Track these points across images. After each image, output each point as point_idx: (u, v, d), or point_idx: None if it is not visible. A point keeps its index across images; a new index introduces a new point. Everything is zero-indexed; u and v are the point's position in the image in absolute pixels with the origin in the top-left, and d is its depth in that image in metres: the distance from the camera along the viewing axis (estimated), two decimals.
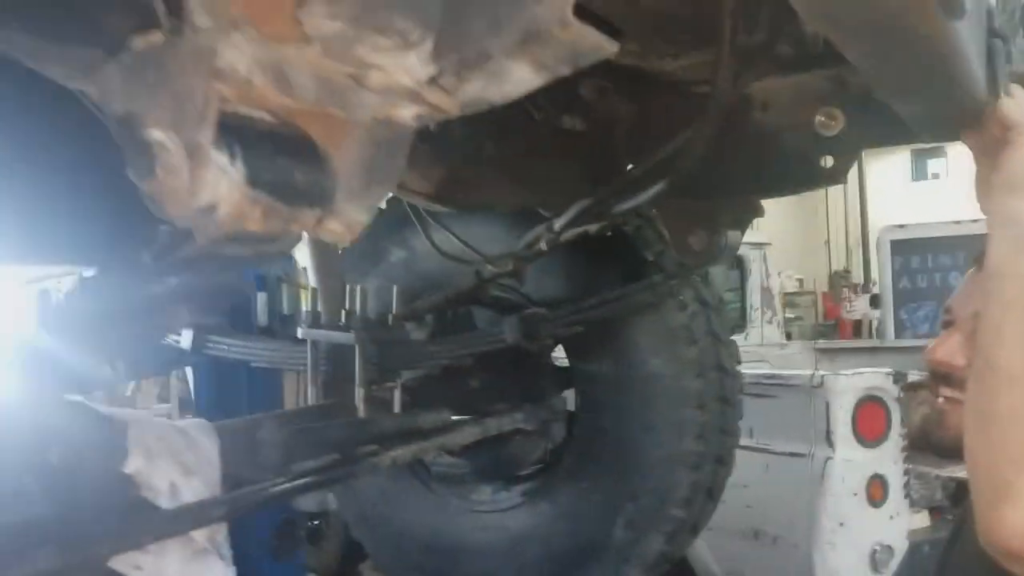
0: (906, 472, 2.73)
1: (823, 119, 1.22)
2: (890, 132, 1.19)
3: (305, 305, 2.01)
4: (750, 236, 6.25)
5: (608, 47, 0.60)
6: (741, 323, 5.31)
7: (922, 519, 2.87)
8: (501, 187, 1.34)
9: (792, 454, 2.79)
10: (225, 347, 1.88)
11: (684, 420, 1.83)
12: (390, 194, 1.40)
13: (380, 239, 2.16)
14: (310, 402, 1.80)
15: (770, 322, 5.33)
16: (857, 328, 15.32)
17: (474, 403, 1.97)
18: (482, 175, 1.28)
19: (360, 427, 1.57)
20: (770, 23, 1.16)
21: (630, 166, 1.32)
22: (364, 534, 2.27)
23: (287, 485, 1.22)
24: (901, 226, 7.40)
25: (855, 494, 2.65)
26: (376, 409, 1.73)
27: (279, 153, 0.55)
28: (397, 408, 1.74)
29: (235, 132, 0.53)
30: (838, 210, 20.54)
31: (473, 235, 1.79)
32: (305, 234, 1.88)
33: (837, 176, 1.22)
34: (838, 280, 18.00)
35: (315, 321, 1.76)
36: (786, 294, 16.18)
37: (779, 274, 15.45)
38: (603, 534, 1.90)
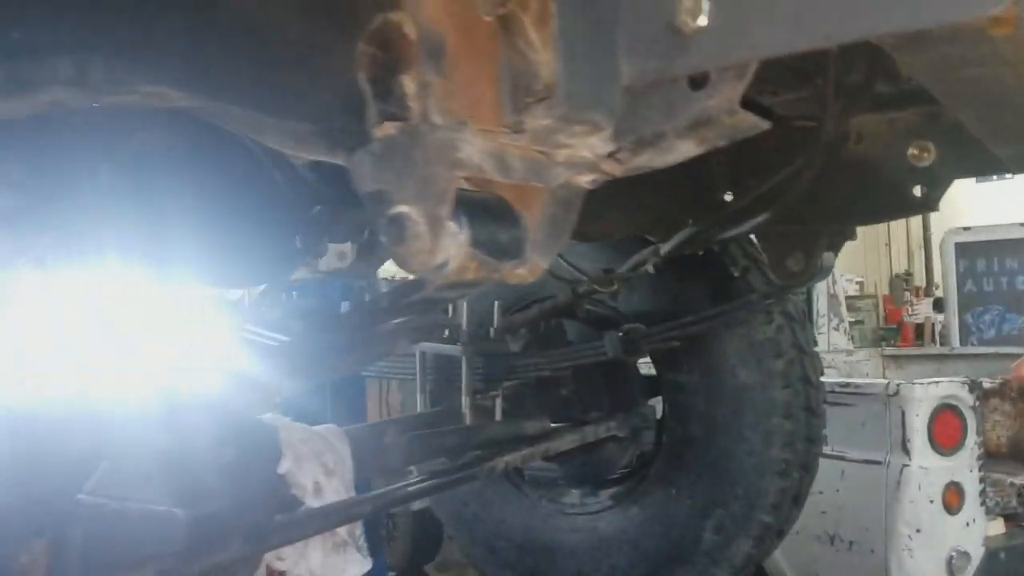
0: (982, 480, 2.76)
1: (916, 152, 1.30)
2: (981, 164, 1.27)
3: None
4: None
5: (762, 126, 0.71)
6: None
7: (997, 526, 2.89)
8: (615, 218, 1.46)
9: (868, 461, 2.84)
10: None
11: (772, 429, 1.92)
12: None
13: None
14: (418, 410, 1.94)
15: (837, 328, 5.32)
16: (919, 332, 14.98)
17: (565, 411, 2.09)
18: (598, 208, 1.39)
19: (471, 433, 1.70)
20: (868, 63, 1.25)
21: (728, 194, 1.42)
22: (459, 533, 2.41)
23: (421, 485, 1.35)
24: (966, 228, 7.27)
25: (931, 501, 2.69)
26: (480, 416, 1.87)
27: (491, 218, 0.68)
28: (499, 416, 1.87)
29: (461, 204, 0.66)
30: None
31: (570, 254, 1.90)
32: None
33: (929, 205, 1.30)
34: (899, 283, 17.62)
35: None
36: (847, 297, 15.95)
37: (840, 276, 15.25)
38: (692, 537, 2.00)
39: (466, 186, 0.68)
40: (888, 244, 20.62)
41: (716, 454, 1.97)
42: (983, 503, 2.81)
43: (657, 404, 2.17)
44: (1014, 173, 1.25)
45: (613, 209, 1.41)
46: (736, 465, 1.94)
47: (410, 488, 1.37)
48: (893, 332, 14.89)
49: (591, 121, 0.65)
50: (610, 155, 0.70)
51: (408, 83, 0.69)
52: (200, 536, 1.09)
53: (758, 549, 1.97)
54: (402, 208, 0.65)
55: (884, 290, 18.98)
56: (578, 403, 2.12)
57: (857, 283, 17.96)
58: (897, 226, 20.33)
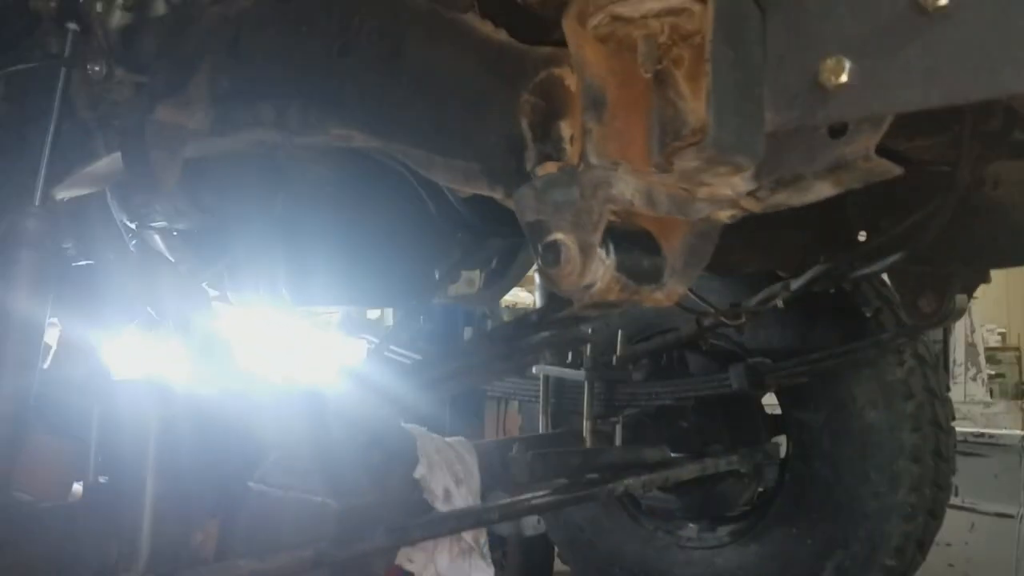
0: None
1: None
2: None
3: None
4: None
5: (896, 171, 0.76)
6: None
7: None
8: (748, 252, 1.50)
9: (1000, 515, 2.71)
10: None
11: (899, 472, 1.88)
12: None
13: None
14: (540, 431, 2.02)
15: (974, 379, 5.05)
16: None
17: (685, 443, 2.11)
18: (732, 241, 1.44)
19: (591, 456, 1.76)
20: (1005, 111, 1.25)
21: (862, 234, 1.44)
22: (573, 558, 2.46)
23: (545, 499, 1.43)
24: None
25: None
26: (600, 441, 1.92)
27: (635, 247, 0.76)
28: (619, 441, 1.92)
29: (609, 233, 0.74)
30: None
31: (698, 288, 1.94)
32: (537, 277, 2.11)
33: None
34: None
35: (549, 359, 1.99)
36: (987, 348, 14.92)
37: (980, 326, 14.32)
38: None
39: (614, 218, 0.76)
40: None
41: (840, 495, 1.95)
42: None
43: (782, 443, 2.16)
44: None
45: (747, 243, 1.45)
46: (860, 506, 1.91)
47: (535, 501, 1.44)
48: None
49: (735, 163, 0.72)
50: (750, 193, 0.77)
51: (565, 128, 0.78)
52: (349, 526, 1.20)
53: None
54: (558, 235, 0.74)
55: None
56: (698, 436, 2.14)
57: (999, 333, 16.80)
58: None
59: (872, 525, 1.91)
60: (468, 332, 3.53)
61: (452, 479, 1.54)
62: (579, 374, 1.90)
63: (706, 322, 1.94)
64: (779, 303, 1.54)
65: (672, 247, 0.80)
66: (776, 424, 2.15)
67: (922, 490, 1.90)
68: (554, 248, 0.72)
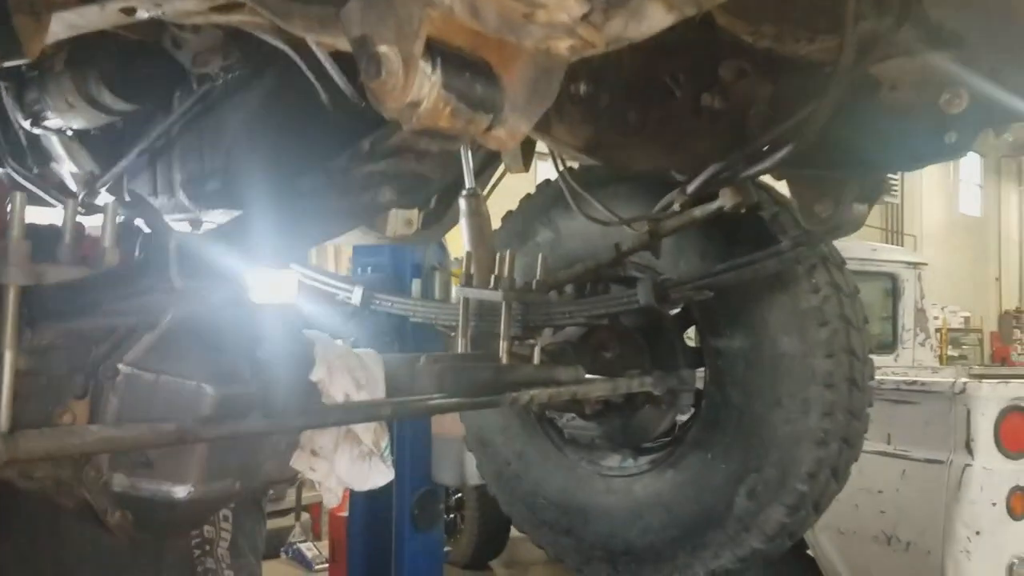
0: None
1: (949, 97, 1.29)
2: (1012, 109, 1.26)
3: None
4: (906, 255, 6.01)
5: None
6: (891, 344, 5.14)
7: None
8: (639, 150, 1.49)
9: (930, 461, 2.75)
10: (389, 303, 2.13)
11: (811, 398, 1.90)
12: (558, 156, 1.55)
13: (529, 221, 2.37)
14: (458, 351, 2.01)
15: (923, 344, 5.12)
16: None
17: (609, 373, 2.12)
18: (624, 137, 1.44)
19: (505, 370, 1.76)
20: (898, 7, 1.25)
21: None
22: (500, 491, 2.46)
23: (440, 401, 1.42)
24: None
25: (994, 504, 2.58)
26: (518, 361, 1.92)
27: (466, 69, 0.74)
28: (536, 362, 1.92)
29: (437, 51, 0.72)
30: (1012, 245, 19.07)
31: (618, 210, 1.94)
32: (463, 205, 2.10)
33: (958, 151, 1.29)
34: (1009, 320, 16.72)
35: (467, 282, 1.98)
36: (949, 330, 15.22)
37: (943, 309, 14.58)
38: (725, 503, 1.99)
39: (445, 37, 0.74)
40: (999, 279, 19.58)
41: (753, 421, 1.96)
42: None
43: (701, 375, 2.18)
44: None
45: (639, 139, 1.45)
46: (772, 432, 1.93)
47: (432, 402, 1.44)
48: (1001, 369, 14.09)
49: None
50: (584, 17, 0.75)
51: None
52: (225, 412, 1.18)
53: (792, 518, 1.94)
54: (380, 47, 0.72)
55: (992, 326, 18.03)
56: (620, 365, 2.15)
57: (963, 317, 17.14)
58: (1010, 260, 19.30)
59: (784, 450, 1.92)
60: (416, 285, 3.51)
61: (353, 385, 1.52)
62: (496, 295, 1.89)
63: (623, 248, 1.95)
64: (676, 207, 1.54)
65: (512, 79, 0.79)
66: (699, 356, 2.16)
67: (835, 416, 1.91)
68: (376, 59, 0.71)
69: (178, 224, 1.77)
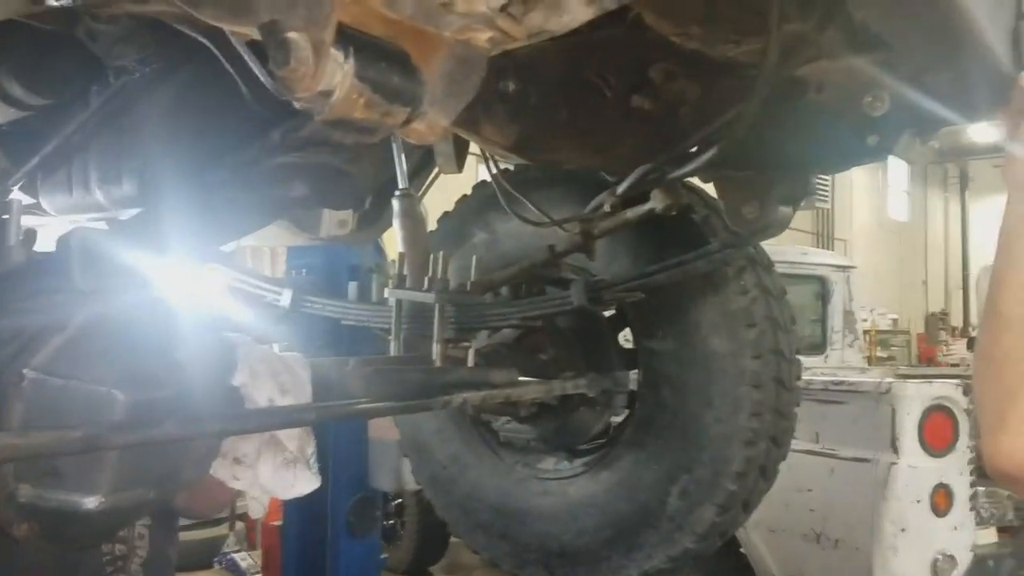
0: (973, 484, 2.71)
1: (871, 100, 1.32)
2: (932, 113, 1.29)
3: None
4: (836, 259, 6.18)
5: None
6: (821, 345, 5.27)
7: (989, 535, 2.83)
8: (569, 149, 1.49)
9: (857, 459, 2.82)
10: (320, 306, 2.08)
11: (740, 398, 1.92)
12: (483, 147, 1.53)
13: (465, 222, 2.35)
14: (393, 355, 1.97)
15: (851, 346, 5.27)
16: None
17: (544, 375, 2.11)
18: (553, 137, 1.43)
19: (437, 373, 1.73)
20: (822, 10, 1.27)
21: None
22: (435, 494, 2.43)
23: (367, 405, 1.39)
24: None
25: (918, 501, 2.66)
26: (452, 364, 1.89)
27: (381, 58, 0.72)
28: (471, 364, 1.90)
29: (350, 39, 0.70)
30: (938, 249, 19.82)
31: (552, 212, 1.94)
32: (396, 206, 2.07)
33: (880, 153, 1.32)
34: (935, 322, 17.36)
35: (400, 283, 1.95)
36: (878, 332, 15.72)
37: (872, 311, 15.06)
38: (658, 503, 2.00)
39: (360, 25, 0.71)
40: (925, 282, 20.32)
41: (684, 421, 1.97)
42: (973, 507, 2.76)
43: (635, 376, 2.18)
44: (960, 118, 1.26)
45: (568, 139, 1.44)
46: (703, 432, 1.95)
47: (359, 406, 1.40)
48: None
49: None
50: (503, 8, 0.74)
51: None
52: (136, 417, 1.13)
53: (723, 518, 1.96)
54: (289, 33, 0.69)
55: (919, 328, 18.69)
56: (555, 367, 2.14)
57: (891, 319, 17.73)
58: (935, 264, 20.05)
59: (715, 450, 1.94)
60: (353, 287, 3.45)
61: (278, 389, 1.48)
62: (429, 297, 1.86)
63: (558, 249, 1.95)
64: (607, 208, 1.54)
65: (431, 71, 0.77)
66: (633, 357, 2.17)
67: (763, 416, 1.94)
68: (284, 46, 0.68)
69: (95, 224, 1.70)
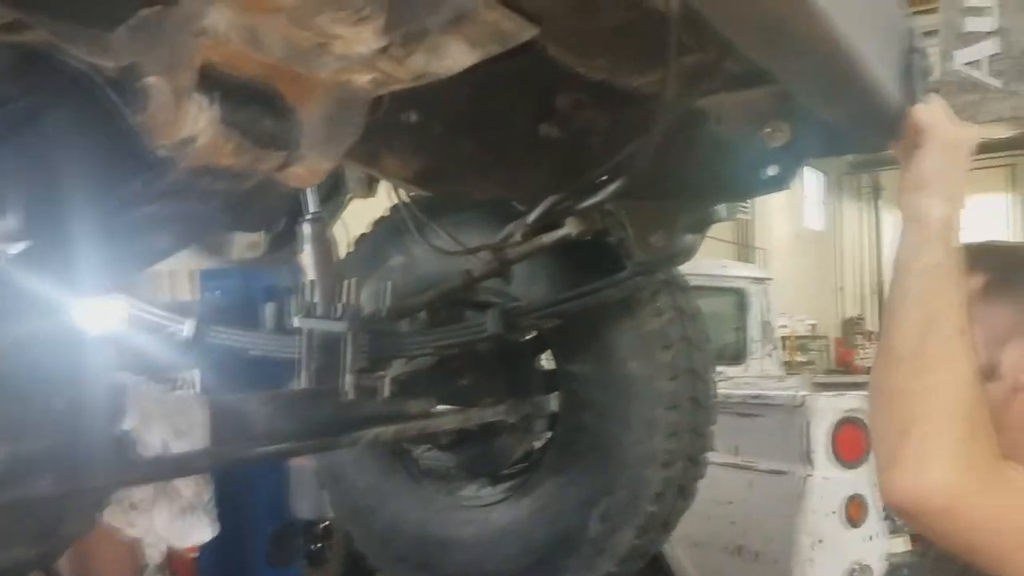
0: None
1: (770, 131, 1.34)
2: (828, 145, 1.31)
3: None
4: (753, 271, 6.34)
5: (528, 30, 0.72)
6: (741, 355, 5.38)
7: (903, 544, 2.92)
8: (476, 180, 1.47)
9: (774, 472, 2.87)
10: (224, 336, 2.00)
11: (657, 419, 1.92)
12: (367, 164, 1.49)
13: (381, 245, 2.30)
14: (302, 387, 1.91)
15: (769, 355, 5.40)
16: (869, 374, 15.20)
17: (463, 401, 2.08)
18: (459, 168, 1.41)
19: (347, 408, 1.68)
20: (720, 44, 1.28)
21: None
22: (353, 527, 2.37)
23: (269, 448, 1.33)
24: None
25: (833, 513, 2.71)
26: (365, 396, 1.84)
27: (251, 102, 0.68)
28: (385, 396, 1.85)
29: (215, 82, 0.66)
30: (853, 257, 20.60)
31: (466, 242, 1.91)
32: (306, 230, 2.00)
33: (780, 184, 1.34)
34: (851, 327, 18.02)
35: (310, 311, 1.89)
36: (797, 337, 16.23)
37: (791, 317, 15.54)
38: (579, 527, 1.99)
39: (226, 68, 0.67)
40: (841, 288, 21.10)
41: (604, 443, 1.97)
42: (887, 517, 2.84)
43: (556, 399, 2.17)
44: (857, 151, 1.29)
45: (474, 169, 1.42)
46: (622, 454, 1.94)
47: (257, 450, 1.34)
48: (843, 375, 15.15)
49: (350, 4, 0.65)
50: (383, 50, 0.71)
51: None
52: (10, 473, 1.05)
53: (642, 539, 1.96)
54: (148, 79, 0.65)
55: (836, 333, 19.37)
56: (475, 393, 2.11)
57: (809, 325, 18.33)
58: (850, 271, 20.85)
59: (634, 472, 1.94)
60: (270, 309, 3.33)
61: (172, 433, 1.40)
62: (340, 325, 1.81)
63: (475, 274, 1.92)
64: (518, 237, 1.53)
65: (309, 113, 0.73)
66: (555, 380, 2.15)
67: (680, 436, 1.95)
68: (142, 91, 0.63)
69: None
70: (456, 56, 0.72)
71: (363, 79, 0.73)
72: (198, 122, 0.64)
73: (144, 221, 0.73)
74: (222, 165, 0.67)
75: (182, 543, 1.38)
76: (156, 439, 1.36)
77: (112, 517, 1.42)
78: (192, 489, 1.37)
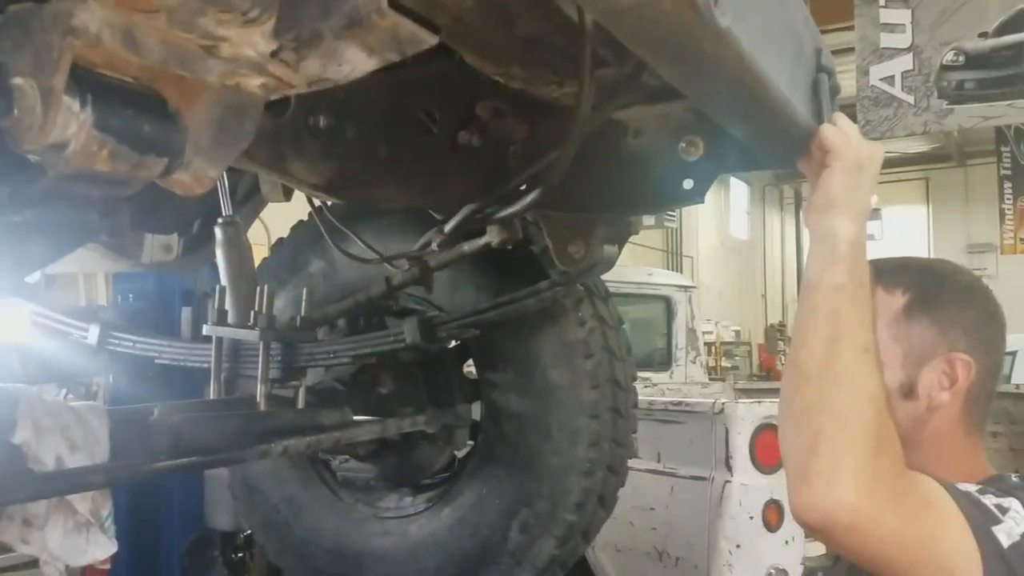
0: None
1: (685, 145, 1.35)
2: (742, 160, 1.33)
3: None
4: (679, 279, 6.45)
5: (426, 38, 0.70)
6: (667, 362, 5.45)
7: (818, 548, 2.99)
8: (392, 188, 1.44)
9: (695, 478, 2.91)
10: (130, 343, 1.92)
11: (578, 429, 1.92)
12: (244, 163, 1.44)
13: (300, 250, 2.24)
14: (210, 397, 1.84)
15: (694, 362, 5.49)
16: None
17: (383, 410, 2.04)
18: (373, 175, 1.37)
19: (258, 419, 1.62)
20: (636, 58, 1.28)
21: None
22: (268, 540, 2.30)
23: (171, 462, 1.27)
24: None
25: (751, 518, 2.76)
26: (277, 407, 1.79)
27: (128, 106, 0.64)
28: (300, 406, 1.80)
29: (88, 84, 0.62)
30: (775, 265, 21.20)
31: (387, 248, 1.87)
32: (219, 235, 1.93)
33: (695, 197, 1.35)
34: (774, 333, 18.52)
35: (221, 319, 1.82)
36: (723, 343, 16.61)
37: (716, 324, 15.89)
38: (499, 538, 1.97)
39: (101, 69, 0.64)
40: (764, 295, 21.69)
41: (525, 453, 1.96)
42: None
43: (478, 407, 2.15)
44: (768, 167, 1.31)
45: (390, 176, 1.39)
46: (543, 464, 1.93)
47: (157, 464, 1.28)
48: (766, 379, 15.56)
49: (234, 4, 0.62)
50: (274, 54, 0.68)
51: None
52: None
53: (562, 549, 1.96)
54: (14, 79, 0.60)
55: (760, 339, 19.89)
56: (395, 402, 2.07)
57: (734, 331, 18.78)
58: (773, 279, 21.45)
59: (554, 482, 1.93)
60: (186, 313, 3.22)
61: (67, 445, 1.33)
62: (252, 334, 1.75)
63: (395, 282, 1.89)
64: (434, 246, 1.50)
65: (195, 118, 0.70)
66: (477, 389, 2.13)
67: (600, 446, 1.95)
68: (7, 93, 0.59)
69: None
70: (353, 62, 0.69)
71: (254, 83, 0.70)
72: (69, 126, 0.60)
73: (15, 228, 0.68)
74: (98, 171, 0.63)
75: (78, 561, 1.31)
76: (49, 453, 1.29)
77: (4, 533, 1.34)
78: (89, 504, 1.31)
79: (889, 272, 1.18)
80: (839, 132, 1.11)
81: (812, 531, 1.00)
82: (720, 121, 1.05)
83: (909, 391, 1.12)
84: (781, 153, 1.19)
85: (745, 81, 0.90)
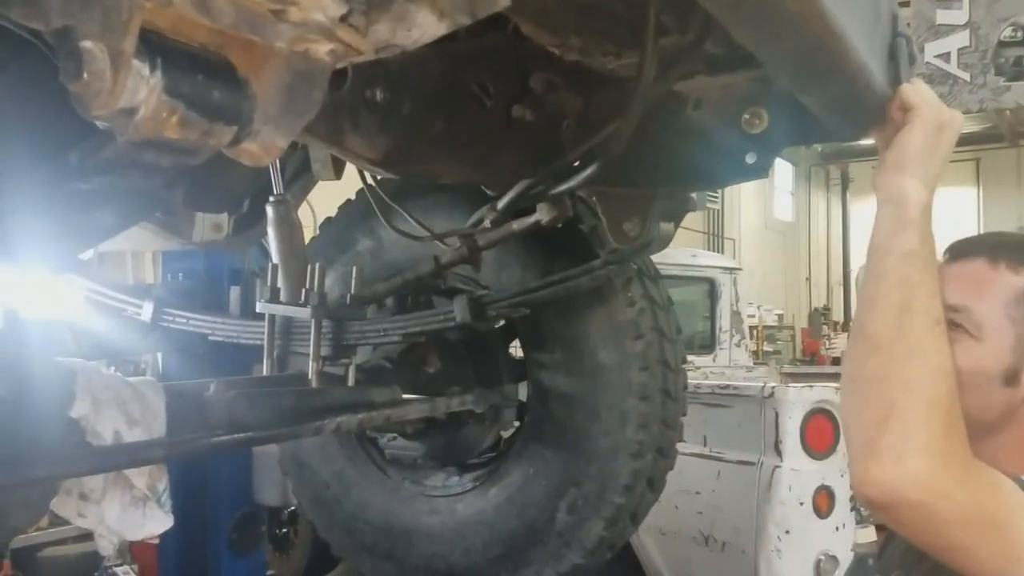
0: None
1: (749, 117, 1.30)
2: (810, 131, 1.28)
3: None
4: (722, 261, 6.36)
5: (499, 1, 0.67)
6: (710, 345, 5.39)
7: (869, 534, 2.93)
8: (446, 163, 1.42)
9: (743, 462, 2.86)
10: (184, 320, 1.93)
11: (627, 410, 1.89)
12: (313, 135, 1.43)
13: (348, 229, 2.24)
14: (263, 374, 1.85)
15: (738, 345, 5.42)
16: (836, 365, 15.41)
17: (430, 389, 2.03)
18: (429, 149, 1.35)
19: (310, 396, 1.63)
20: (700, 25, 1.24)
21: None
22: (317, 515, 2.32)
23: (227, 437, 1.27)
24: None
25: (801, 504, 2.72)
26: (329, 383, 1.79)
27: (198, 71, 0.63)
28: (351, 383, 1.80)
29: (158, 48, 0.60)
30: (820, 248, 20.83)
31: (435, 226, 1.86)
32: (271, 213, 1.93)
33: (759, 171, 1.30)
34: (818, 317, 18.24)
35: (274, 297, 1.83)
36: (765, 327, 16.39)
37: (759, 307, 15.68)
38: (546, 518, 1.96)
39: (171, 33, 0.62)
40: (808, 279, 21.33)
41: (573, 434, 1.94)
42: (854, 508, 2.85)
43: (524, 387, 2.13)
44: (836, 138, 1.26)
45: (444, 151, 1.37)
46: (591, 445, 1.91)
47: (216, 439, 1.29)
48: (810, 364, 15.33)
49: None
50: (343, 19, 0.66)
51: None
52: None
53: (610, 531, 1.94)
54: (83, 42, 0.59)
55: (803, 323, 19.60)
56: (442, 382, 2.07)
57: (777, 315, 18.52)
58: (818, 262, 21.09)
59: (602, 463, 1.91)
60: (235, 292, 3.25)
61: (125, 421, 1.34)
62: (304, 311, 1.75)
63: (443, 260, 1.87)
64: (487, 223, 1.48)
65: (263, 86, 0.68)
66: (523, 369, 2.12)
67: (650, 428, 1.92)
68: (76, 56, 0.58)
69: None
70: (423, 26, 0.67)
71: (322, 49, 0.68)
72: (139, 91, 0.59)
73: (84, 196, 0.67)
74: (167, 139, 0.62)
75: (134, 535, 1.33)
76: (107, 428, 1.30)
77: (62, 507, 1.36)
78: (146, 479, 1.32)
79: (1013, 248, 1.11)
80: (921, 92, 1.07)
81: (874, 506, 0.97)
82: (793, 88, 1.01)
83: (1012, 378, 1.06)
84: (855, 121, 1.14)
85: (825, 42, 0.86)
